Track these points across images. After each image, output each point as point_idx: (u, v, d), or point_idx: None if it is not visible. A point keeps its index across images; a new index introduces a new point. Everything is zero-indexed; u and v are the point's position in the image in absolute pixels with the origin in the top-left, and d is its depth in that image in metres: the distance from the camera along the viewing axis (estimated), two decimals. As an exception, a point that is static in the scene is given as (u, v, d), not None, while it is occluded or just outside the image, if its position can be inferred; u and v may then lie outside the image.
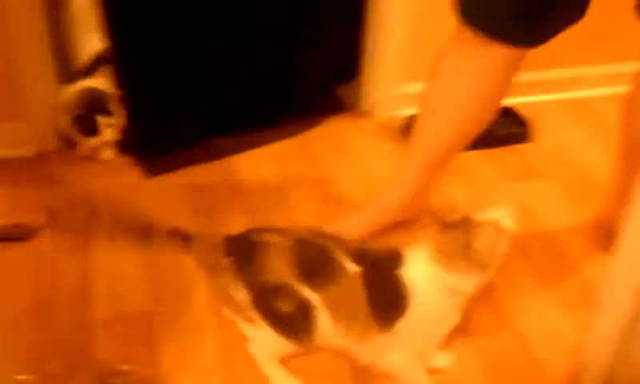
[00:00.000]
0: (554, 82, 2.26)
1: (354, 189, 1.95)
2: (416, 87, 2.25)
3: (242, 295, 1.32)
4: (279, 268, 1.28)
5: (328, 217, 1.81)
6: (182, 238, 1.36)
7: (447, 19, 2.16)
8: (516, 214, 1.26)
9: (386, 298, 1.27)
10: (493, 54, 1.47)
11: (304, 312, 1.28)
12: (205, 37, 1.98)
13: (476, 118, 1.59)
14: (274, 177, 1.99)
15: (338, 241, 1.33)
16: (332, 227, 1.63)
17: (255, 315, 1.33)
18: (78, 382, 1.33)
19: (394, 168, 2.01)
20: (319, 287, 1.27)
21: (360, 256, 1.29)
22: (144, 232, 1.37)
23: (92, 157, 2.02)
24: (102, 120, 1.95)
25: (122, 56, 1.92)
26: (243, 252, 1.33)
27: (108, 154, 2.03)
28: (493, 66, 1.50)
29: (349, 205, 1.86)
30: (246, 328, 1.39)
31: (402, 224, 1.73)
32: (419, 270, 1.26)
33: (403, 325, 1.26)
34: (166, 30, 1.91)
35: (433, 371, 1.40)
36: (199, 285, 1.57)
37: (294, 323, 1.31)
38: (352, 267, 1.27)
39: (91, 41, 2.08)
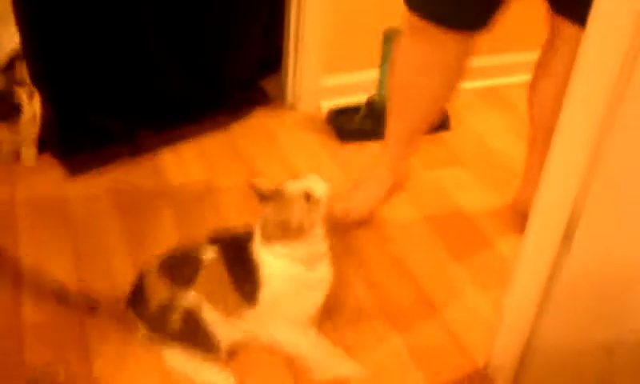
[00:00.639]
0: (470, 70, 2.36)
1: (279, 180, 1.97)
2: (338, 79, 2.32)
3: (143, 332, 1.37)
4: (156, 290, 1.33)
5: (255, 209, 1.84)
6: (90, 303, 1.43)
7: (367, 12, 2.23)
8: (322, 181, 1.33)
9: (243, 272, 1.31)
10: (443, 43, 1.60)
11: (191, 317, 1.31)
12: (126, 31, 1.96)
13: (438, 100, 1.77)
14: (200, 172, 2.01)
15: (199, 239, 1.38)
16: (340, 208, 1.78)
17: (159, 342, 1.37)
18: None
19: (318, 158, 2.09)
20: (190, 285, 1.31)
21: (216, 239, 1.35)
22: (60, 295, 1.44)
23: (13, 157, 1.98)
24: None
25: (37, 51, 1.87)
26: (135, 294, 1.38)
27: (29, 153, 1.99)
28: (445, 54, 1.64)
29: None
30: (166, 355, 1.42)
31: (393, 189, 1.92)
32: (257, 245, 1.31)
33: (265, 296, 1.30)
34: (85, 25, 1.88)
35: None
36: (129, 282, 1.57)
37: (191, 333, 1.33)
38: (207, 252, 1.32)
39: (8, 36, 2.02)
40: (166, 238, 1.73)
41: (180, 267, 1.33)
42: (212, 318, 1.31)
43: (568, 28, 1.53)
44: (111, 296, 1.44)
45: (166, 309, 1.32)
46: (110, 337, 1.46)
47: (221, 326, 1.32)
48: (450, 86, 1.73)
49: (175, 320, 1.31)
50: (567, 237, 1.16)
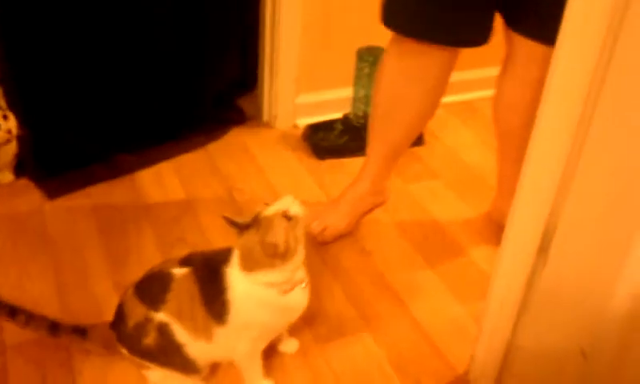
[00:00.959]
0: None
1: (259, 198, 2.00)
2: (313, 97, 2.36)
3: (124, 353, 1.38)
4: (132, 310, 1.34)
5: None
6: (81, 332, 1.42)
7: (341, 31, 2.27)
8: (295, 199, 1.32)
9: (214, 293, 1.31)
10: (431, 56, 1.64)
11: (164, 336, 1.32)
12: (102, 53, 1.97)
13: (422, 115, 1.79)
14: (179, 190, 2.02)
15: (171, 259, 1.38)
16: (318, 225, 1.82)
17: (138, 362, 1.38)
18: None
19: (296, 174, 2.11)
20: (161, 304, 1.31)
21: (189, 259, 1.35)
22: (51, 329, 1.41)
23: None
24: None
25: (13, 73, 1.88)
26: (116, 317, 1.39)
27: (6, 176, 1.99)
28: (433, 68, 1.67)
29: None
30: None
31: (373, 208, 1.95)
32: (234, 272, 1.31)
33: (234, 319, 1.31)
34: (61, 48, 1.89)
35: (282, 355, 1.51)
36: (112, 303, 1.58)
37: (165, 352, 1.34)
38: (179, 271, 1.32)
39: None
40: (146, 257, 1.74)
41: (151, 288, 1.34)
42: (183, 338, 1.32)
43: (522, 42, 1.59)
44: (98, 323, 1.43)
45: (140, 328, 1.32)
46: (93, 353, 1.47)
47: (192, 345, 1.33)
48: (436, 100, 1.75)
49: (149, 339, 1.32)
50: (543, 249, 1.20)
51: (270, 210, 1.29)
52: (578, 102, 1.05)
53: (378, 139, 1.83)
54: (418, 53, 1.63)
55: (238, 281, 1.30)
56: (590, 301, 1.14)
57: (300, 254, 1.31)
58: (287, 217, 1.28)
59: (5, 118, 1.87)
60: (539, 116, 1.13)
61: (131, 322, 1.33)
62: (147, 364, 1.37)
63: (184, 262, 1.34)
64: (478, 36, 1.60)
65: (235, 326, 1.31)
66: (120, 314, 1.37)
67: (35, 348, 1.47)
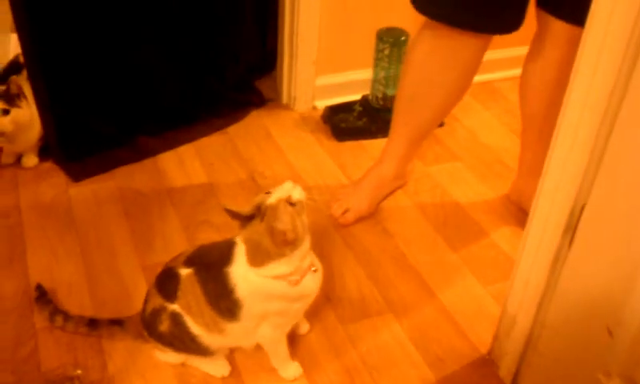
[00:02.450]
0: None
1: (279, 180, 2.00)
2: (333, 79, 2.36)
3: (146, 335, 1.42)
4: (153, 301, 1.38)
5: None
6: (119, 324, 1.47)
7: (361, 12, 2.27)
8: (297, 184, 1.31)
9: (218, 292, 1.31)
10: (466, 42, 1.63)
11: (177, 324, 1.35)
12: (123, 36, 1.99)
13: (452, 97, 1.78)
14: (201, 173, 2.04)
15: (184, 252, 1.40)
16: (340, 207, 1.84)
17: (156, 345, 1.42)
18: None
19: (316, 156, 2.13)
20: (174, 298, 1.34)
21: (193, 258, 1.36)
22: (90, 325, 1.48)
23: (15, 164, 2.00)
24: None
25: (36, 59, 1.90)
26: (144, 303, 1.43)
27: (31, 160, 2.02)
28: (465, 53, 1.67)
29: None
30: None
31: (395, 191, 1.97)
32: (238, 270, 1.29)
33: (245, 315, 1.31)
34: (83, 32, 1.90)
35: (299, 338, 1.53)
36: (139, 284, 1.61)
37: (178, 337, 1.37)
38: (184, 271, 1.34)
39: (10, 44, 2.05)
40: (172, 239, 1.77)
41: (166, 282, 1.37)
42: (196, 330, 1.34)
43: (554, 23, 1.59)
44: (133, 314, 1.47)
45: (156, 315, 1.36)
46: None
47: (206, 336, 1.35)
48: (466, 84, 1.75)
49: (164, 327, 1.36)
50: (570, 228, 1.21)
51: (272, 198, 1.27)
52: (608, 79, 1.05)
53: (403, 122, 1.82)
54: (451, 38, 1.62)
55: (243, 279, 1.29)
56: (617, 279, 1.15)
57: (307, 240, 1.30)
58: (291, 203, 1.27)
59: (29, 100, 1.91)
60: (568, 94, 1.14)
61: (149, 307, 1.37)
62: (163, 348, 1.40)
63: (188, 262, 1.35)
64: (512, 23, 1.59)
65: (250, 318, 1.33)
66: (145, 299, 1.41)
67: (64, 331, 1.51)
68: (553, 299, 1.27)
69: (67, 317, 1.48)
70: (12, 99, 1.89)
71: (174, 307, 1.34)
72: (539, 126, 1.75)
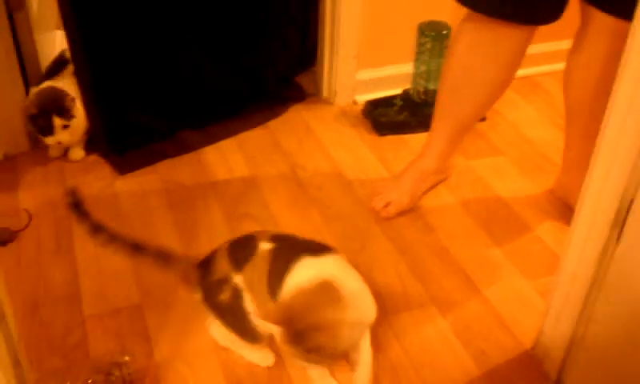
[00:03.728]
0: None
1: (320, 174, 2.03)
2: (373, 73, 2.36)
3: (198, 298, 1.42)
4: (220, 263, 1.38)
5: (299, 202, 1.90)
6: (164, 258, 1.45)
7: (402, 6, 2.27)
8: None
9: (279, 272, 1.32)
10: (510, 34, 1.63)
11: (236, 299, 1.35)
12: (168, 32, 2.02)
13: (494, 91, 1.78)
14: (243, 166, 2.06)
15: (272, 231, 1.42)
16: (381, 200, 1.85)
17: (208, 311, 1.42)
18: (78, 376, 1.38)
19: (357, 150, 2.13)
20: (241, 270, 1.35)
21: (279, 238, 1.38)
22: (135, 248, 1.45)
23: (63, 157, 2.05)
24: (57, 120, 1.94)
25: (82, 54, 1.94)
26: (204, 262, 1.43)
27: (78, 153, 2.06)
28: (507, 45, 1.66)
29: (316, 189, 1.96)
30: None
31: (436, 185, 1.97)
32: (305, 262, 1.32)
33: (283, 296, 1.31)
34: (128, 27, 1.94)
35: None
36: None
37: (234, 313, 1.37)
38: (265, 245, 1.36)
39: (55, 41, 2.09)
40: (215, 231, 1.79)
41: (240, 251, 1.38)
42: (250, 307, 1.35)
43: (599, 17, 1.56)
44: (184, 256, 1.47)
45: (220, 283, 1.36)
46: (168, 322, 1.53)
47: (254, 316, 1.36)
48: (509, 76, 1.74)
49: (224, 296, 1.36)
50: (617, 223, 1.19)
51: (290, 288, 1.29)
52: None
53: (445, 115, 1.82)
54: (493, 30, 1.62)
55: (302, 270, 1.31)
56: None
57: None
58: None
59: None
60: (616, 88, 1.12)
61: (215, 275, 1.38)
62: (215, 315, 1.41)
63: (273, 238, 1.37)
64: (553, 13, 1.58)
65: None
66: (209, 262, 1.41)
67: (113, 318, 1.54)
68: (600, 294, 1.26)
69: (112, 236, 1.44)
70: (68, 112, 1.96)
71: (238, 280, 1.34)
72: (584, 120, 1.72)
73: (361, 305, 1.34)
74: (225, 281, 1.36)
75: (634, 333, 1.23)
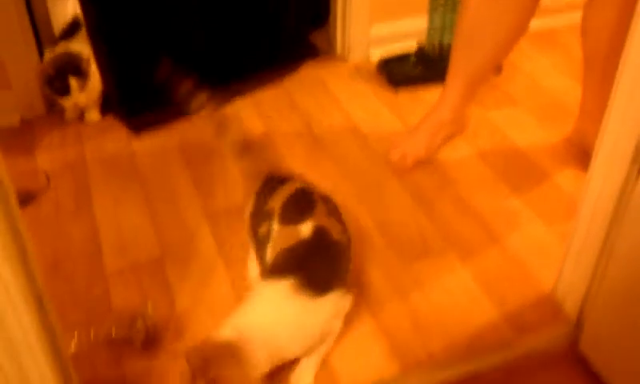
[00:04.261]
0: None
1: (336, 130, 2.03)
2: (387, 28, 2.34)
3: (247, 213, 1.43)
4: (274, 204, 1.37)
5: (316, 158, 1.90)
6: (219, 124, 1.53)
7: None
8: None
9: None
10: None
11: (265, 241, 1.35)
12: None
13: (508, 39, 1.77)
14: (259, 124, 2.06)
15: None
16: (397, 153, 1.85)
17: (248, 233, 1.43)
18: (102, 328, 1.40)
19: (372, 105, 2.12)
20: (307, 217, 1.33)
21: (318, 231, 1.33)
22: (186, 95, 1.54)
23: (79, 119, 2.06)
24: (73, 81, 1.95)
25: (95, 17, 1.93)
26: (267, 186, 1.42)
27: (94, 115, 2.07)
28: None
29: (333, 145, 1.96)
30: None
31: (452, 136, 1.96)
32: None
33: None
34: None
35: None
36: (203, 229, 1.65)
37: (261, 248, 1.37)
38: (304, 228, 1.31)
39: (68, 3, 2.09)
40: (232, 186, 1.79)
41: (291, 206, 1.36)
42: (267, 255, 1.34)
43: None
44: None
45: (265, 216, 1.36)
46: (189, 274, 1.54)
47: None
48: (524, 24, 1.73)
49: (262, 230, 1.36)
50: (637, 159, 1.18)
51: None
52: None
53: (459, 66, 1.81)
54: None
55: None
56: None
57: None
58: None
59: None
60: (634, 27, 1.11)
61: (265, 208, 1.37)
62: (254, 247, 1.42)
63: (316, 230, 1.32)
64: None
65: None
66: (268, 190, 1.41)
67: (134, 272, 1.55)
68: (621, 231, 1.25)
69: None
70: (84, 73, 1.96)
71: (275, 227, 1.33)
72: (601, 67, 1.70)
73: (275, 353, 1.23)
74: (265, 218, 1.36)
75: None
